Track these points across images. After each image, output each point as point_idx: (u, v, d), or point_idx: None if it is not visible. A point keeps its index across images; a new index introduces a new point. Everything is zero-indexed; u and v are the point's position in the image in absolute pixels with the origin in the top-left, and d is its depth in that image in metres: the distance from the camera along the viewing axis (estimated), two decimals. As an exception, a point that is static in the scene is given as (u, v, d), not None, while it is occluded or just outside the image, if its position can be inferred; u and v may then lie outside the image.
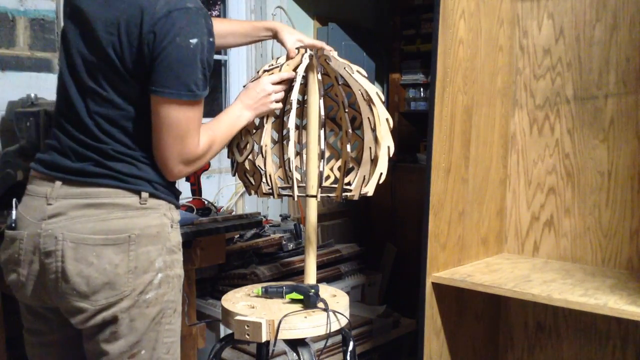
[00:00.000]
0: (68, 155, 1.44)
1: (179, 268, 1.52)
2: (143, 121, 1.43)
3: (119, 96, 1.42)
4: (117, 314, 1.41)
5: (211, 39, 1.42)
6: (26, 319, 1.55)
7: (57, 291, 1.41)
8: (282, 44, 1.88)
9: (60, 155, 1.45)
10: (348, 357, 1.82)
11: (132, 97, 1.42)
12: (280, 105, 1.80)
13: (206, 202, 2.54)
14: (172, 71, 1.36)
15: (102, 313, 1.40)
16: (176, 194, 1.55)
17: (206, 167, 2.61)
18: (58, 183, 1.41)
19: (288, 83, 1.81)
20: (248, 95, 1.71)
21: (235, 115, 1.68)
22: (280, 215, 3.41)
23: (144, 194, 1.43)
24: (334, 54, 1.88)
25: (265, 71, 1.84)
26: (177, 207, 1.55)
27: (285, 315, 1.66)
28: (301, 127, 2.10)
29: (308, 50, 1.87)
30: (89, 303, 1.40)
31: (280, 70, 1.82)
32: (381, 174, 1.83)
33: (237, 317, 1.70)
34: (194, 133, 1.44)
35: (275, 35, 1.90)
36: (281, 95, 1.76)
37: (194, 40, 1.36)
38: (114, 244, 1.39)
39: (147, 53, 1.36)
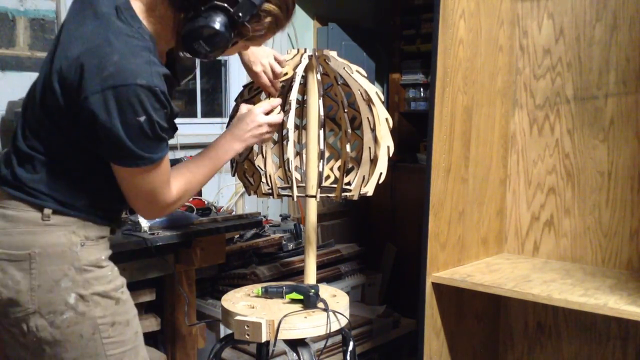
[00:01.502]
0: (4, 163, 1.40)
1: (102, 284, 1.40)
2: (64, 132, 1.34)
3: (51, 119, 1.33)
4: (36, 333, 1.35)
5: (165, 110, 1.31)
6: None
7: None
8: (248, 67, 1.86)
9: (2, 163, 1.42)
10: (348, 357, 1.82)
11: (62, 123, 1.33)
12: (272, 135, 1.74)
13: (206, 202, 2.54)
14: (120, 146, 1.28)
15: (22, 324, 1.35)
16: (106, 209, 1.43)
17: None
18: None
19: (282, 108, 1.77)
20: (238, 126, 1.64)
21: (223, 149, 1.60)
22: (280, 215, 3.41)
23: (47, 211, 1.34)
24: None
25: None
26: (104, 222, 1.43)
27: (285, 315, 1.66)
28: (301, 127, 2.10)
29: (307, 50, 1.87)
30: (4, 315, 1.37)
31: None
32: (381, 173, 1.83)
33: (237, 317, 1.70)
34: (160, 190, 1.38)
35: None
36: (278, 120, 1.69)
37: (141, 118, 1.26)
38: (15, 260, 1.34)
39: (87, 117, 1.26)
